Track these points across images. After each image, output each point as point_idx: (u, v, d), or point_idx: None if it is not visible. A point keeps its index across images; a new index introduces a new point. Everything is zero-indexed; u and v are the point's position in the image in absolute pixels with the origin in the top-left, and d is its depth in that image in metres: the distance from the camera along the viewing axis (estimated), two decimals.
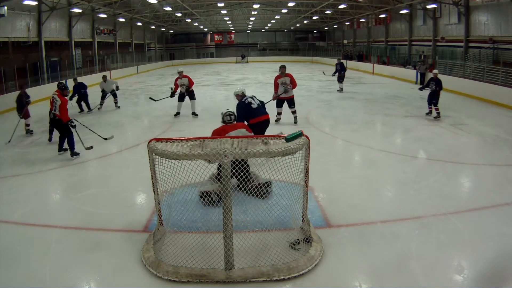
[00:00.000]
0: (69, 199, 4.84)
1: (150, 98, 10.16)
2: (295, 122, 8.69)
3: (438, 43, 20.44)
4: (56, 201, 4.87)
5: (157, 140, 3.43)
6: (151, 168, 3.51)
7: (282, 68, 8.56)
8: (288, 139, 3.25)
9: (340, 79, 14.44)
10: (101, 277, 3.20)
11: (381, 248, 3.53)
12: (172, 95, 9.85)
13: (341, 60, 14.74)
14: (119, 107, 11.75)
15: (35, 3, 16.34)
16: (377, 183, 5.23)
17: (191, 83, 9.82)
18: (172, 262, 3.22)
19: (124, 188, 5.18)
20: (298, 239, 3.53)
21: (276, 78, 8.59)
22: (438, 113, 9.11)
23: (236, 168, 3.32)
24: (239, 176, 3.36)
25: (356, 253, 3.45)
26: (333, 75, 14.79)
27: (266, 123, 6.11)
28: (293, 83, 8.51)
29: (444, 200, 4.54)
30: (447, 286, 2.99)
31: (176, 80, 9.78)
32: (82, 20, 22.16)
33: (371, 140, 7.43)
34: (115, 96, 11.74)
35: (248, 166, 3.68)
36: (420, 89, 9.58)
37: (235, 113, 4.97)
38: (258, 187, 3.86)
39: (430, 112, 9.42)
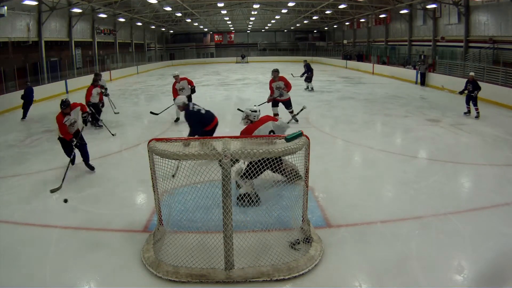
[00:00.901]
0: (69, 199, 4.83)
1: (151, 112, 9.56)
2: (296, 121, 8.67)
3: (438, 43, 20.44)
4: (56, 201, 4.86)
5: (157, 140, 3.44)
6: (151, 168, 3.52)
7: (275, 72, 8.62)
8: (288, 139, 3.26)
9: (308, 79, 15.02)
10: (101, 277, 3.20)
11: (381, 248, 3.53)
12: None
13: (307, 62, 15.71)
14: (117, 112, 11.15)
15: (35, 3, 16.35)
16: (377, 183, 5.23)
17: (191, 83, 9.38)
18: (172, 262, 3.23)
19: (124, 188, 5.18)
20: (298, 239, 3.53)
21: (271, 82, 8.69)
22: (478, 112, 9.29)
23: (272, 164, 3.64)
24: (278, 170, 3.72)
25: (356, 253, 3.46)
26: (301, 76, 15.24)
27: (216, 127, 5.99)
28: (287, 86, 8.54)
29: (444, 200, 4.54)
30: (447, 286, 3.00)
31: (174, 85, 9.13)
32: (82, 20, 22.16)
33: (371, 140, 7.43)
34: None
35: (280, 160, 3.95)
36: (460, 92, 9.68)
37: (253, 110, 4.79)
38: (295, 172, 3.97)
39: (468, 112, 9.56)
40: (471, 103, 9.43)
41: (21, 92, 10.96)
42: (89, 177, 5.65)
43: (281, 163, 4.07)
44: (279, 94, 8.55)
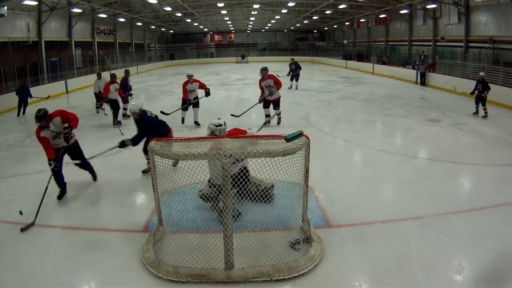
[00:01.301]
0: (69, 199, 4.84)
1: (162, 112, 8.62)
2: (278, 123, 8.51)
3: (438, 43, 20.44)
4: (56, 201, 4.86)
5: (157, 140, 3.44)
6: (151, 168, 3.52)
7: (263, 71, 8.36)
8: (288, 139, 3.25)
9: (297, 77, 15.08)
10: (101, 277, 3.20)
11: (381, 248, 3.53)
12: (186, 107, 8.65)
13: (295, 60, 15.66)
14: (104, 109, 10.47)
15: (35, 3, 16.35)
16: (377, 183, 5.23)
17: (204, 85, 8.69)
18: (172, 262, 3.22)
19: (124, 188, 5.18)
20: (298, 239, 3.53)
21: (260, 81, 8.43)
22: (486, 112, 9.35)
23: (236, 179, 3.31)
24: (238, 187, 3.36)
25: (356, 253, 3.46)
26: (288, 75, 15.13)
27: None
28: (277, 84, 8.26)
29: (444, 200, 4.54)
30: (447, 286, 3.00)
31: (185, 84, 8.52)
32: (82, 20, 22.16)
33: (371, 140, 7.43)
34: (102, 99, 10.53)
35: (247, 173, 3.65)
36: (471, 93, 9.71)
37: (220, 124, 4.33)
38: (262, 192, 3.80)
39: (477, 112, 9.61)
40: (480, 103, 9.46)
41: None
42: (89, 177, 5.64)
43: (246, 183, 3.49)
44: (268, 93, 8.26)
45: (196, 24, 37.31)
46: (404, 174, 5.52)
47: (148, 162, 5.06)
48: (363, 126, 8.75)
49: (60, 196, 4.80)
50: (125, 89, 10.03)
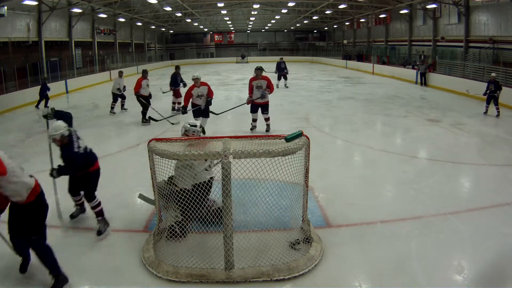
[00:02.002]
0: (69, 199, 4.83)
1: (150, 118, 8.65)
2: (267, 131, 7.83)
3: (438, 43, 20.44)
4: (56, 201, 4.86)
5: (157, 140, 3.44)
6: (151, 168, 3.52)
7: (258, 70, 7.72)
8: (288, 139, 3.26)
9: (285, 76, 15.32)
10: (101, 277, 3.20)
11: (381, 248, 3.53)
12: (185, 110, 7.56)
13: (283, 60, 15.89)
14: (126, 109, 10.96)
15: (35, 3, 16.35)
16: (377, 183, 5.23)
17: (211, 93, 7.60)
18: (172, 262, 3.22)
19: (124, 188, 5.18)
20: (298, 239, 3.53)
21: (251, 80, 7.73)
22: (499, 112, 9.45)
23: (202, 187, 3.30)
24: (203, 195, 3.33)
25: (356, 253, 3.45)
26: (275, 72, 15.30)
27: (99, 170, 4.08)
28: (270, 88, 7.65)
29: (444, 200, 4.54)
30: (447, 286, 3.00)
31: (191, 89, 7.43)
32: (82, 20, 22.16)
33: (371, 140, 7.43)
34: (123, 97, 10.85)
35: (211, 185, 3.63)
36: (484, 94, 9.77)
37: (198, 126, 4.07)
38: (213, 212, 3.71)
39: (486, 112, 9.70)
40: (492, 103, 9.53)
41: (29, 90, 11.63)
42: None
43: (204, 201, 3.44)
44: (260, 95, 7.58)
45: (196, 24, 37.33)
46: (404, 174, 5.52)
47: (76, 205, 4.28)
48: (363, 126, 8.75)
49: (23, 269, 3.24)
50: (176, 84, 10.65)
